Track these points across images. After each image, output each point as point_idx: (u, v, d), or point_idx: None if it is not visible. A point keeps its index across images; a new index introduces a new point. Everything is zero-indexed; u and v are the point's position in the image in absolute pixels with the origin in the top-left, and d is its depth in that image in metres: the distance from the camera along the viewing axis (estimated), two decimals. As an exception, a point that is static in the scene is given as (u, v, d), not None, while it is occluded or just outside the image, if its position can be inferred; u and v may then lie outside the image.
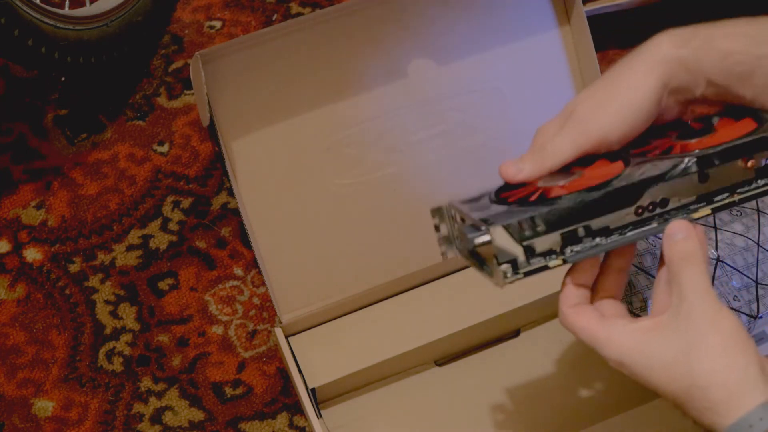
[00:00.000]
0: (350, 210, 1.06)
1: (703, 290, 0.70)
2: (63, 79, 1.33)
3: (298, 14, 1.38)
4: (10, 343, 1.14)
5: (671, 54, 0.79)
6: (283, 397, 1.10)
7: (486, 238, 0.72)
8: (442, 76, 1.07)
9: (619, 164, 0.77)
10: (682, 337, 0.70)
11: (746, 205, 1.04)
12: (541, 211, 0.73)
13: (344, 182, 1.06)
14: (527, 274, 0.74)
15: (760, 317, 1.04)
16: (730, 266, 1.04)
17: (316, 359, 1.05)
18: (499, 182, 0.80)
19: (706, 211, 0.75)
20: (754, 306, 1.03)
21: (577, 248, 0.75)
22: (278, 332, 1.05)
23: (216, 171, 1.25)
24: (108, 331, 1.15)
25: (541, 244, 0.74)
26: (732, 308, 1.03)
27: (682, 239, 0.73)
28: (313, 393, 1.02)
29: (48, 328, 1.15)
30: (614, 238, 0.75)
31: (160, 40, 1.36)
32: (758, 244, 1.04)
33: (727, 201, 0.76)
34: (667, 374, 0.70)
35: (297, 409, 1.09)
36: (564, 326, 0.77)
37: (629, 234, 0.75)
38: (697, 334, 0.69)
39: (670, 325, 0.71)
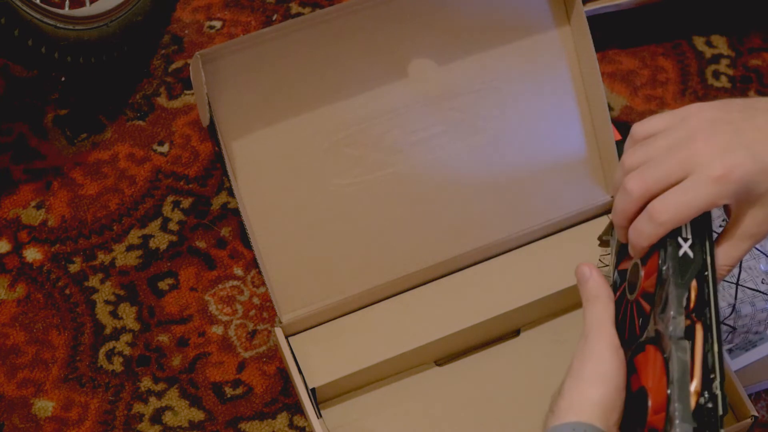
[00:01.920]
0: (350, 210, 1.06)
1: (597, 327, 0.80)
2: (63, 79, 1.33)
3: (298, 14, 1.38)
4: (10, 343, 1.14)
5: None
6: (283, 397, 1.10)
7: None
8: (442, 76, 1.07)
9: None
10: (576, 357, 0.80)
11: None
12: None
13: (344, 182, 1.06)
14: None
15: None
16: (759, 250, 1.04)
17: (316, 359, 1.04)
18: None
19: None
20: None
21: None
22: (278, 332, 1.05)
23: (216, 171, 1.25)
24: (108, 331, 1.15)
25: None
26: (759, 291, 1.03)
27: (584, 281, 0.83)
28: (313, 393, 1.02)
29: (48, 328, 1.15)
30: None
31: (160, 40, 1.36)
32: None
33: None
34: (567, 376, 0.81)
35: (297, 409, 1.09)
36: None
37: None
38: (581, 358, 0.80)
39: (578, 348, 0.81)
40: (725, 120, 0.77)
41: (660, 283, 0.79)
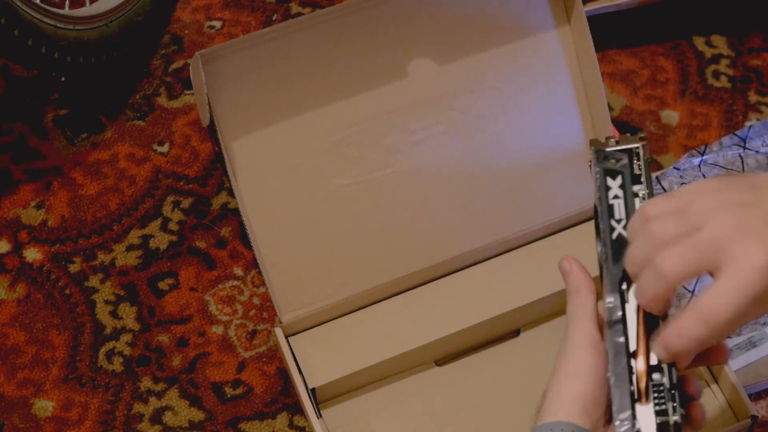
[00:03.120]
0: (350, 210, 1.06)
1: (575, 321, 0.80)
2: (63, 79, 1.33)
3: (298, 14, 1.38)
4: (10, 343, 1.14)
5: None
6: (283, 397, 1.10)
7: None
8: (442, 76, 1.07)
9: None
10: (558, 354, 0.81)
11: None
12: None
13: (344, 182, 1.06)
14: None
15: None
16: None
17: (316, 359, 1.05)
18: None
19: None
20: None
21: None
22: (278, 332, 1.05)
23: (216, 171, 1.25)
24: (108, 331, 1.15)
25: None
26: None
27: (565, 275, 0.83)
28: (313, 393, 1.02)
29: (48, 328, 1.15)
30: None
31: (160, 40, 1.36)
32: None
33: None
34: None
35: (297, 409, 1.09)
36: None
37: None
38: (562, 355, 0.80)
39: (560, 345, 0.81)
40: (740, 202, 0.71)
41: (600, 271, 0.79)
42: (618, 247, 0.78)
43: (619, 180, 0.81)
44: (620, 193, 0.80)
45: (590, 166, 0.83)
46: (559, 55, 1.09)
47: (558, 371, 0.79)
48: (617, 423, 0.74)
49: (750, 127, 1.15)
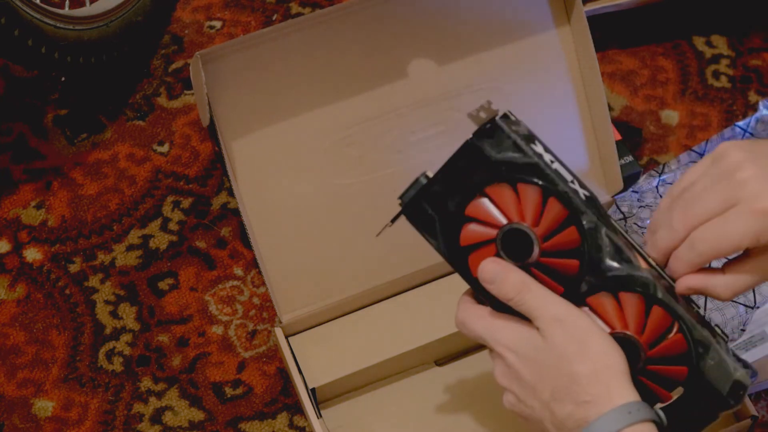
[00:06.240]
0: (350, 210, 1.06)
1: (558, 305, 0.79)
2: (63, 79, 1.33)
3: (298, 14, 1.38)
4: (10, 343, 1.14)
5: None
6: (283, 397, 1.10)
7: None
8: (442, 76, 1.07)
9: None
10: (564, 342, 0.77)
11: None
12: None
13: (344, 182, 1.06)
14: None
15: (758, 307, 1.04)
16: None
17: (316, 359, 1.05)
18: None
19: None
20: (751, 296, 1.04)
21: None
22: (278, 332, 1.05)
23: (216, 171, 1.25)
24: (108, 331, 1.15)
25: None
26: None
27: (500, 281, 0.80)
28: (313, 393, 1.02)
29: (48, 328, 1.15)
30: None
31: (160, 40, 1.36)
32: None
33: None
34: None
35: (297, 409, 1.09)
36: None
37: None
38: (577, 339, 0.77)
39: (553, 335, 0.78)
40: (764, 154, 0.75)
41: (586, 235, 0.79)
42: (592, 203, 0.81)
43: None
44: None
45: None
46: (559, 55, 1.09)
47: (584, 353, 0.76)
48: None
49: (708, 141, 1.15)
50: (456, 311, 0.85)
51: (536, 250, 0.81)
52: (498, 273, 0.80)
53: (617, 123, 1.25)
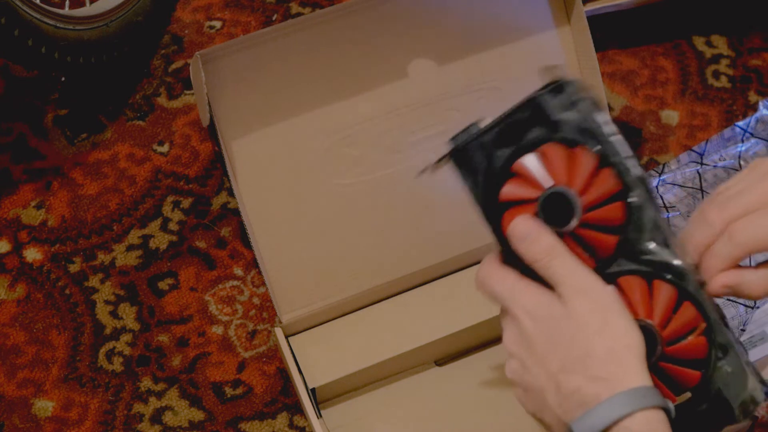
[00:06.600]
0: (350, 210, 1.06)
1: (585, 276, 0.75)
2: (63, 79, 1.33)
3: (298, 14, 1.38)
4: (10, 343, 1.14)
5: None
6: (283, 397, 1.10)
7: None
8: (442, 76, 1.07)
9: None
10: (585, 313, 0.74)
11: None
12: None
13: (344, 182, 1.06)
14: None
15: (757, 307, 1.04)
16: None
17: (316, 359, 1.05)
18: None
19: None
20: None
21: None
22: (278, 332, 1.05)
23: (216, 171, 1.25)
24: (108, 331, 1.15)
25: None
26: (729, 299, 1.03)
27: (531, 241, 0.77)
28: (313, 393, 1.02)
29: (48, 328, 1.15)
30: None
31: (160, 40, 1.36)
32: None
33: None
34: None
35: (297, 409, 1.09)
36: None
37: None
38: (599, 312, 0.74)
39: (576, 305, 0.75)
40: None
41: (633, 212, 0.77)
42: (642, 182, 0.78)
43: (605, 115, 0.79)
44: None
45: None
46: (559, 55, 1.09)
47: (604, 326, 0.74)
48: None
49: (707, 141, 1.15)
50: (478, 269, 0.81)
51: (576, 219, 0.77)
52: (531, 231, 0.77)
53: (617, 123, 1.25)
